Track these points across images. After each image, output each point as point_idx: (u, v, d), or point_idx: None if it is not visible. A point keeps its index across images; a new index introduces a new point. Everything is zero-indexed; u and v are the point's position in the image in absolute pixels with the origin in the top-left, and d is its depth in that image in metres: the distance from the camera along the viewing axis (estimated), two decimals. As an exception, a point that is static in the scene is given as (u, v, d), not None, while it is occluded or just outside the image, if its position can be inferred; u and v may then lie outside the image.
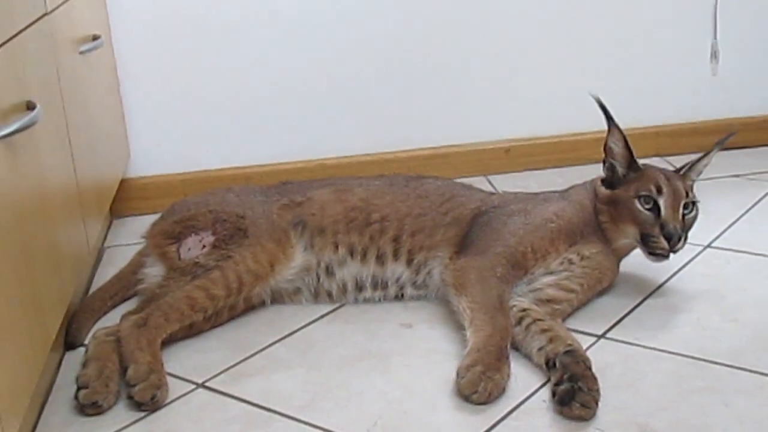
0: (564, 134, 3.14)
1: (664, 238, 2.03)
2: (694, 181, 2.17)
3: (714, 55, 3.18)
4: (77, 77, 2.16)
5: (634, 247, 2.14)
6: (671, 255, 2.06)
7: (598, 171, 2.83)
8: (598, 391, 1.68)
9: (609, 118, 2.11)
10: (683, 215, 2.06)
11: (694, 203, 2.09)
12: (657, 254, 2.06)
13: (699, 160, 2.19)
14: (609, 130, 2.12)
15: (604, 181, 2.16)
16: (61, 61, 1.99)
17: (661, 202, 2.05)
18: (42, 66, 1.82)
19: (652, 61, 3.14)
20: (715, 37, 3.16)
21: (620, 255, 2.17)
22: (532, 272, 2.05)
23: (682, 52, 3.15)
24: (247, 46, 2.87)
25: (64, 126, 1.96)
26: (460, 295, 1.96)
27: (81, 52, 2.22)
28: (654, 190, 2.05)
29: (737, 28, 3.16)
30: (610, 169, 2.14)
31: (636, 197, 2.06)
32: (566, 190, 2.24)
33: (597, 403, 1.66)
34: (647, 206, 2.05)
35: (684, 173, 2.16)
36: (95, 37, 2.38)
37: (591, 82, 3.09)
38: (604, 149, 2.14)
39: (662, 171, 2.13)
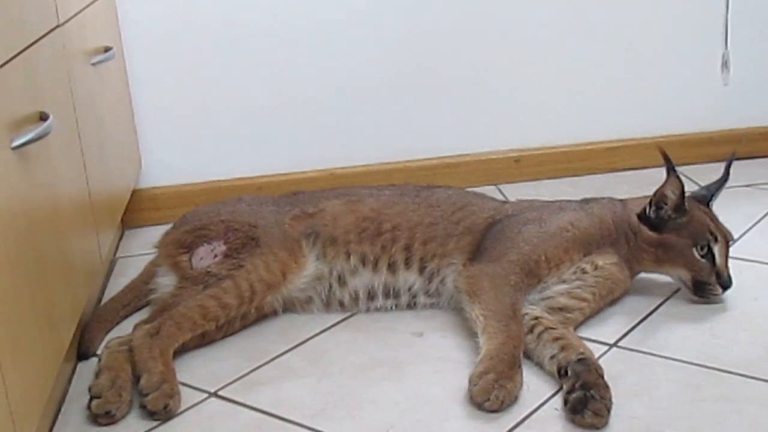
0: (574, 144, 3.14)
1: (721, 286, 2.09)
2: None
3: (725, 64, 3.18)
4: (89, 88, 2.17)
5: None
6: None
7: (608, 180, 2.84)
8: (610, 399, 1.68)
9: (671, 168, 2.10)
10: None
11: None
12: (706, 298, 2.11)
13: (718, 189, 2.23)
14: (668, 179, 2.10)
15: (643, 219, 2.15)
16: (73, 72, 2.00)
17: (716, 250, 2.09)
18: (54, 77, 1.83)
19: (663, 70, 3.14)
20: (726, 47, 3.15)
21: (635, 273, 2.18)
22: (545, 281, 2.05)
23: (692, 61, 3.15)
24: (258, 57, 2.87)
25: (76, 137, 1.97)
26: (473, 302, 1.96)
27: (93, 64, 2.23)
28: (711, 238, 2.08)
29: (748, 37, 3.15)
30: (656, 211, 2.13)
31: (694, 245, 2.08)
32: (586, 201, 2.24)
33: (609, 411, 1.66)
34: (702, 253, 2.08)
35: (711, 204, 2.20)
36: (107, 49, 2.39)
37: (601, 92, 3.12)
38: (656, 194, 2.13)
39: (705, 212, 2.16)
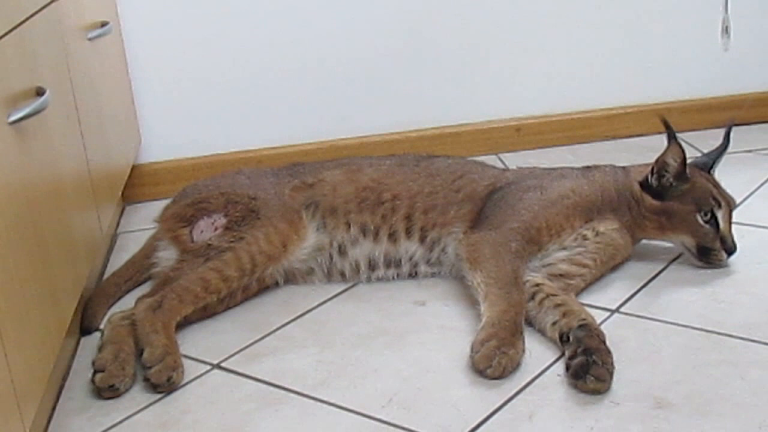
0: (574, 112, 3.13)
1: (725, 251, 2.09)
2: None
3: (725, 30, 3.16)
4: (86, 63, 2.16)
5: None
6: None
7: (608, 147, 2.84)
8: (612, 364, 1.68)
9: (672, 135, 2.10)
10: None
11: None
12: (711, 264, 2.11)
13: (719, 156, 2.23)
14: (669, 146, 2.10)
15: (645, 187, 2.14)
16: (69, 47, 1.99)
17: (719, 215, 2.09)
18: (51, 52, 1.83)
19: (663, 37, 3.13)
20: (726, 12, 3.14)
21: (637, 240, 2.18)
22: (546, 248, 2.05)
23: (692, 27, 3.14)
24: (257, 30, 2.86)
25: (74, 112, 1.96)
26: (474, 270, 1.96)
27: (90, 39, 2.22)
28: (714, 204, 2.08)
29: (748, 3, 3.14)
30: (659, 178, 2.13)
31: (697, 211, 2.08)
32: (588, 168, 2.24)
33: (611, 376, 1.66)
34: (706, 219, 2.08)
35: (713, 171, 2.20)
36: (103, 24, 2.38)
37: (601, 60, 3.11)
38: (658, 161, 2.12)
39: (707, 178, 2.16)
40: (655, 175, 2.13)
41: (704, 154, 2.27)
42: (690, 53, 3.16)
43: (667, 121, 2.10)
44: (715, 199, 2.10)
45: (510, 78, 3.07)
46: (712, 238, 2.09)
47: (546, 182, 2.15)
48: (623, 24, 3.09)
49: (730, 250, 2.09)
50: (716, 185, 2.16)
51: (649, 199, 2.13)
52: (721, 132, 2.25)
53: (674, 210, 2.11)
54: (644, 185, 2.14)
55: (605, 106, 3.15)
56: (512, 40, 3.04)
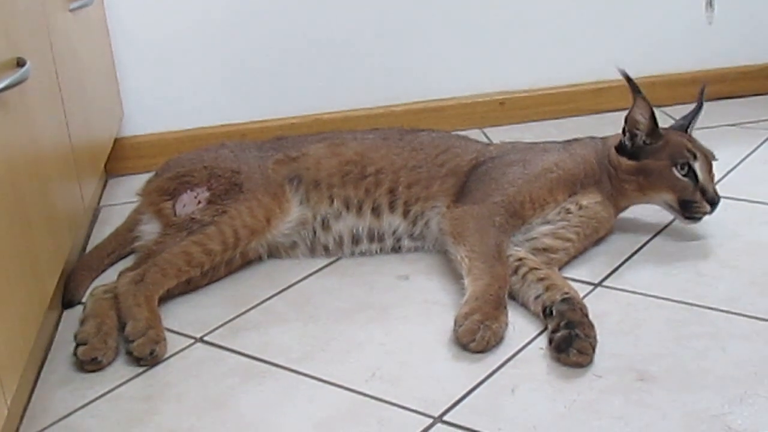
0: (559, 86, 3.13)
1: (707, 202, 2.07)
2: None
3: (709, 3, 3.16)
4: (68, 35, 2.14)
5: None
6: None
7: (593, 122, 2.84)
8: (595, 337, 1.68)
9: (636, 90, 2.10)
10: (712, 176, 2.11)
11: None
12: (696, 218, 2.10)
13: (695, 117, 2.23)
14: (635, 101, 2.10)
15: (620, 151, 2.14)
16: (50, 18, 1.97)
17: (697, 167, 2.08)
18: (31, 23, 1.81)
19: (647, 10, 3.12)
20: (711, -15, 3.14)
21: (624, 209, 2.18)
22: (529, 222, 2.05)
23: (677, 1, 3.13)
24: (241, 3, 2.85)
25: (55, 84, 1.95)
26: (457, 243, 1.96)
27: (71, 10, 2.20)
28: (689, 155, 2.08)
29: (732, -25, 3.14)
30: (631, 139, 2.13)
31: (673, 165, 2.07)
32: (569, 142, 2.24)
33: (594, 350, 1.66)
34: (683, 172, 2.08)
35: (689, 131, 2.19)
36: (85, -6, 2.36)
37: (585, 34, 3.10)
38: (627, 120, 2.12)
39: (681, 134, 2.16)
40: (627, 135, 2.13)
41: (680, 118, 2.27)
42: (674, 27, 3.16)
43: (628, 75, 2.10)
44: (690, 151, 2.09)
45: (494, 52, 3.07)
46: (692, 190, 2.08)
47: (529, 156, 2.15)
48: (608, -2, 3.09)
49: (712, 200, 2.08)
50: (691, 140, 2.15)
51: (625, 161, 2.12)
52: (707, 105, 2.25)
53: (650, 167, 2.10)
54: (619, 149, 2.14)
55: (589, 80, 3.15)
56: (496, 13, 3.03)
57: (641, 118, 2.10)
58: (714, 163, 2.14)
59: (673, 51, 3.18)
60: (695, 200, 2.08)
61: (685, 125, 2.21)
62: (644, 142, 2.11)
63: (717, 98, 3.11)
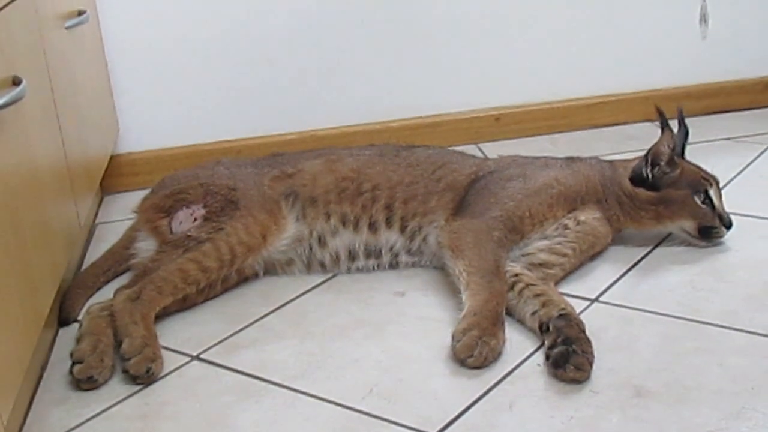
0: (554, 101, 3.13)
1: (725, 226, 2.14)
2: None
3: (703, 18, 3.17)
4: (63, 53, 2.15)
5: None
6: None
7: (588, 137, 2.85)
8: (592, 353, 1.68)
9: (665, 123, 2.14)
10: None
11: None
12: (713, 241, 2.16)
13: (684, 140, 2.25)
14: (663, 134, 2.14)
15: (635, 181, 2.16)
16: (46, 36, 1.97)
17: (712, 194, 2.13)
18: (27, 41, 1.81)
19: (642, 25, 3.13)
20: (704, 0, 3.14)
21: (619, 230, 2.19)
22: (528, 237, 2.05)
23: (671, 15, 3.14)
24: (236, 19, 2.85)
25: (51, 102, 1.95)
26: (456, 257, 1.96)
27: (67, 28, 2.20)
28: (707, 183, 2.13)
29: (726, -10, 3.15)
30: (652, 170, 2.15)
31: (694, 193, 2.12)
32: (572, 159, 2.25)
33: (591, 365, 1.66)
34: (702, 199, 2.12)
35: (683, 156, 2.23)
36: (81, 12, 2.36)
37: (580, 49, 3.11)
38: (652, 151, 2.15)
39: (688, 162, 2.20)
40: (649, 166, 2.14)
41: None
42: (668, 41, 3.16)
43: (661, 109, 2.14)
44: (705, 179, 2.14)
45: (489, 67, 3.07)
46: (711, 216, 2.13)
47: (529, 171, 2.15)
48: (602, 12, 3.09)
49: (729, 224, 2.14)
50: (698, 167, 2.20)
51: (643, 192, 2.14)
52: (699, 120, 2.28)
53: (671, 197, 2.13)
54: (635, 180, 2.15)
55: (585, 95, 3.16)
56: (491, 29, 3.04)
57: (666, 149, 2.14)
58: (715, 176, 2.17)
59: (668, 65, 3.18)
60: (715, 226, 2.13)
61: (680, 151, 2.22)
62: (664, 172, 2.13)
63: (712, 112, 3.12)
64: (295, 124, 2.96)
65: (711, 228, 2.13)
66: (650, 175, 2.15)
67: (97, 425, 1.63)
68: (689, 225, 2.14)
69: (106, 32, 2.76)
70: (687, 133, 2.26)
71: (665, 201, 2.14)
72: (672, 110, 3.04)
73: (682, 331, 1.81)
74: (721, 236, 2.15)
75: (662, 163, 2.14)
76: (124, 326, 1.81)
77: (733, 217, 2.15)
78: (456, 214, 2.09)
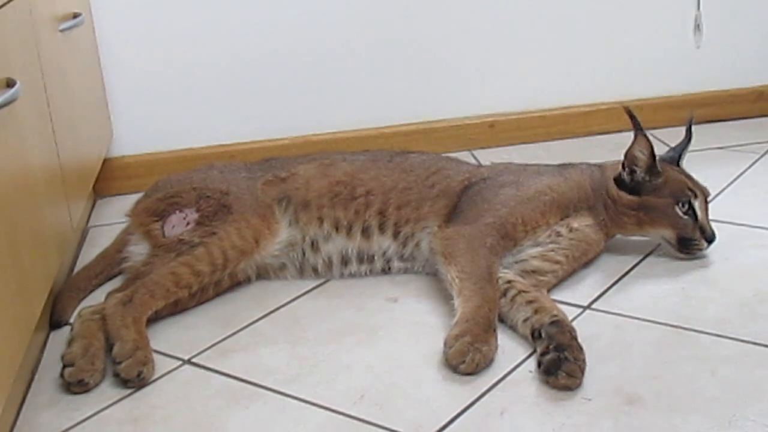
0: (548, 108, 3.13)
1: (705, 240, 2.11)
2: None
3: (697, 27, 3.18)
4: (58, 55, 2.14)
5: None
6: None
7: (583, 144, 2.85)
8: (583, 360, 1.68)
9: (638, 127, 2.11)
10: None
11: None
12: (692, 254, 2.13)
13: (685, 148, 2.24)
14: (636, 139, 2.11)
15: (619, 184, 2.15)
16: (40, 39, 1.97)
17: (696, 205, 2.10)
18: (21, 44, 1.81)
19: (636, 33, 3.14)
20: (699, 9, 3.15)
21: (612, 236, 2.19)
22: (521, 244, 2.05)
23: (665, 24, 3.15)
24: (230, 24, 2.85)
25: (45, 104, 1.94)
26: (448, 264, 1.96)
27: (61, 30, 2.20)
28: (691, 194, 2.10)
29: (720, -1, 3.16)
30: (630, 174, 2.14)
31: (675, 203, 2.10)
32: (564, 166, 2.24)
33: (583, 372, 1.66)
34: (684, 209, 2.10)
35: (680, 163, 2.21)
36: (75, 15, 2.36)
37: (574, 56, 3.11)
38: (626, 156, 2.14)
39: (678, 170, 2.18)
40: (626, 171, 2.14)
41: (670, 149, 2.29)
42: (663, 50, 3.17)
43: (632, 112, 2.12)
44: (690, 189, 2.11)
45: (484, 74, 3.08)
46: (691, 228, 2.11)
47: (522, 178, 2.15)
48: (596, 21, 3.10)
49: (710, 238, 2.11)
50: (689, 176, 2.18)
51: (625, 196, 2.13)
52: (695, 128, 2.27)
53: (652, 204, 2.12)
54: (619, 182, 2.15)
55: (579, 102, 3.16)
56: (486, 36, 3.04)
57: (640, 155, 2.12)
58: (705, 188, 2.16)
59: (662, 74, 3.19)
60: (695, 238, 2.11)
61: (676, 157, 2.22)
62: (643, 178, 2.13)
63: (705, 121, 3.12)
64: (289, 130, 2.96)
65: (691, 240, 2.11)
66: (628, 180, 2.14)
67: (88, 428, 1.63)
68: (669, 234, 2.13)
69: (101, 35, 2.76)
70: (689, 142, 2.25)
71: (646, 207, 2.13)
72: (666, 119, 3.07)
73: (675, 339, 1.81)
74: (701, 249, 2.12)
75: (639, 169, 2.12)
76: (116, 330, 1.81)
77: (725, 227, 2.15)
78: (449, 221, 2.09)
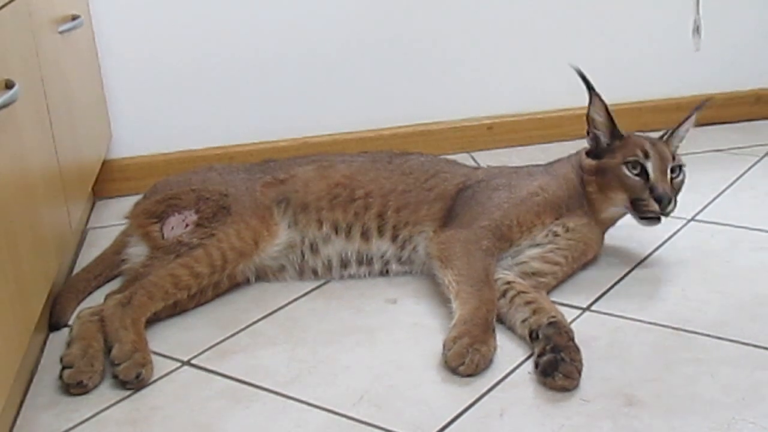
0: (547, 110, 3.14)
1: (655, 200, 2.03)
2: (677, 147, 2.18)
3: (696, 29, 3.18)
4: (57, 57, 2.14)
5: (620, 216, 2.16)
6: (662, 218, 2.06)
7: (581, 146, 2.84)
8: (580, 361, 1.68)
9: (590, 87, 2.12)
10: (671, 178, 2.07)
11: (680, 167, 2.10)
12: (649, 218, 2.06)
13: (680, 125, 2.19)
14: (590, 100, 2.12)
15: (588, 153, 2.16)
16: (40, 40, 1.97)
17: (649, 166, 2.05)
18: (20, 45, 1.81)
19: (635, 36, 3.14)
20: (698, 12, 3.16)
21: (606, 226, 2.18)
22: (517, 245, 2.05)
23: (664, 27, 3.15)
24: (230, 26, 2.85)
25: (44, 106, 1.94)
26: (445, 267, 1.96)
27: (60, 32, 2.20)
28: (641, 154, 2.06)
29: (719, 2, 3.15)
30: (594, 139, 2.14)
31: (623, 163, 2.06)
32: (551, 164, 2.24)
33: (580, 374, 1.66)
34: (635, 171, 2.06)
35: (667, 139, 2.17)
36: (74, 17, 2.36)
37: (573, 58, 3.08)
38: (587, 119, 2.14)
39: (646, 137, 2.14)
40: (590, 135, 2.15)
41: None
42: (661, 53, 3.17)
43: (582, 72, 2.12)
44: (643, 150, 2.06)
45: (482, 76, 3.08)
46: (640, 188, 2.05)
47: (514, 180, 2.15)
48: (595, 23, 3.10)
49: (659, 197, 2.02)
50: (655, 143, 2.11)
51: (588, 161, 2.14)
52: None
53: (605, 166, 2.10)
54: (588, 152, 2.16)
55: (577, 105, 3.14)
56: (485, 38, 3.04)
57: (597, 116, 2.12)
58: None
59: (660, 76, 3.19)
60: (643, 198, 2.04)
61: (664, 134, 2.19)
62: (606, 141, 2.13)
63: (703, 124, 3.11)
64: (288, 131, 2.96)
65: (640, 200, 2.04)
66: (594, 145, 2.14)
67: (87, 430, 1.63)
68: (622, 198, 2.08)
69: (100, 37, 2.76)
70: (688, 117, 2.19)
71: (601, 170, 2.10)
72: (664, 121, 3.06)
73: (674, 341, 1.81)
74: (653, 209, 2.03)
75: (600, 134, 2.12)
76: (115, 331, 1.81)
77: (724, 229, 2.13)
78: (444, 225, 2.09)
